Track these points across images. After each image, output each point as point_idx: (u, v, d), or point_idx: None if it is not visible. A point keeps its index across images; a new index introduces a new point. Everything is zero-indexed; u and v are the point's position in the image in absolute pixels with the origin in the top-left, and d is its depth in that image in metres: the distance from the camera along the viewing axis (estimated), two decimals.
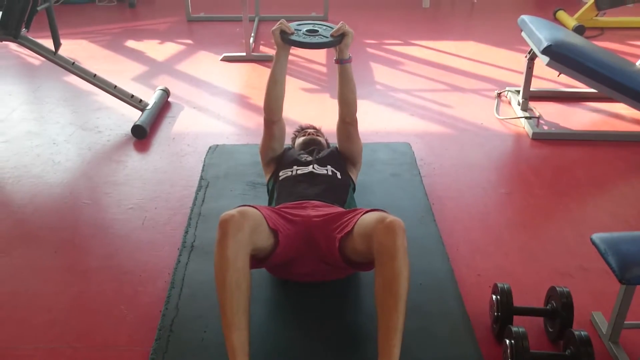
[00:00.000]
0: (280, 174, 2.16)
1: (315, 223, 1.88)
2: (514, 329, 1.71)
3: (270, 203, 2.18)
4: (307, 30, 2.18)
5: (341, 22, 2.16)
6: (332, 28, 2.18)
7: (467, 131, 3.20)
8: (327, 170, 2.14)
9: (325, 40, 2.14)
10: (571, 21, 4.68)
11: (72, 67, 3.20)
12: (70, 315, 1.97)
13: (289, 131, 2.46)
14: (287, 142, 2.44)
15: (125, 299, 2.02)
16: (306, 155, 2.25)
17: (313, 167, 2.14)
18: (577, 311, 1.84)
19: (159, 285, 2.07)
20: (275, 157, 2.31)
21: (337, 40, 2.14)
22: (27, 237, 2.37)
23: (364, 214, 1.81)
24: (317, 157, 2.23)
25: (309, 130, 2.48)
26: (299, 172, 2.13)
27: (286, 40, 2.14)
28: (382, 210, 1.78)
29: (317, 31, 2.18)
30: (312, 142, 2.39)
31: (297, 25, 2.21)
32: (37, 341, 1.85)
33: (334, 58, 2.19)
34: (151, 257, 2.23)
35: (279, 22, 2.14)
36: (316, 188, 2.05)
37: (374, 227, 1.68)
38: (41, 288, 2.10)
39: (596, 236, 1.65)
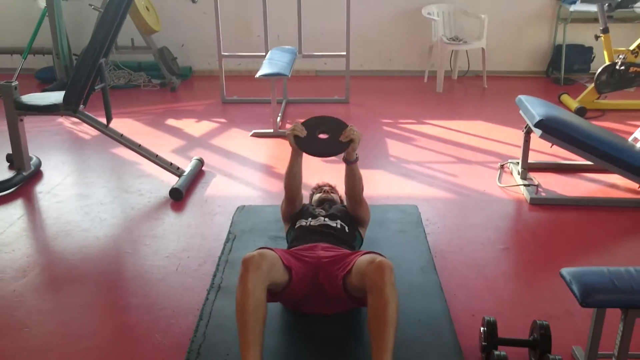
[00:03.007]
0: (297, 224, 2.50)
1: (323, 264, 2.18)
2: (497, 353, 1.96)
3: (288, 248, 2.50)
4: (319, 132, 2.43)
5: (350, 125, 2.40)
6: (342, 126, 2.40)
7: (471, 197, 3.51)
8: (336, 224, 2.45)
9: (333, 149, 2.40)
10: (574, 103, 5.05)
11: (120, 138, 3.66)
12: (112, 341, 2.29)
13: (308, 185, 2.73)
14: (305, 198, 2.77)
15: (160, 329, 2.33)
16: (320, 210, 2.59)
17: (325, 220, 2.45)
18: (560, 347, 2.08)
19: (190, 318, 2.37)
20: (295, 215, 2.60)
21: (345, 146, 2.38)
22: (76, 279, 2.72)
23: (361, 255, 2.12)
24: (329, 212, 2.54)
25: (325, 188, 2.81)
26: (312, 223, 2.45)
27: (300, 147, 2.42)
28: (376, 253, 2.09)
29: (328, 134, 2.42)
30: (326, 200, 2.72)
31: (310, 125, 2.44)
32: None
33: (342, 157, 2.44)
34: (183, 296, 2.55)
35: (292, 126, 2.43)
36: (326, 236, 2.36)
37: (366, 268, 2.00)
38: (87, 319, 2.43)
39: (564, 270, 1.92)
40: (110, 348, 2.24)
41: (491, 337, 2.07)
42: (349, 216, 2.56)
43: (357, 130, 2.39)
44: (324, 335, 2.21)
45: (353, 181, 2.46)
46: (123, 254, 2.94)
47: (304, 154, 2.48)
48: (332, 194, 2.77)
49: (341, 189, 2.77)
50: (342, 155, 2.44)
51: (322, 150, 2.44)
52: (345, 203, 2.67)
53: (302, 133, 2.42)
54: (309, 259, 2.21)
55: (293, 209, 2.58)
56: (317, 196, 2.77)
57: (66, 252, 2.96)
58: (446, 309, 2.36)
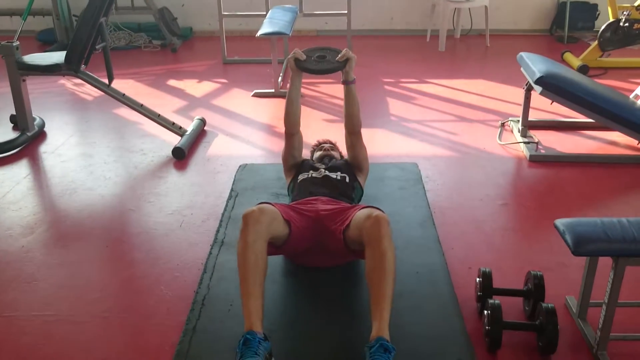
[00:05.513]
0: (299, 177, 2.56)
1: (322, 217, 2.24)
2: (491, 301, 2.02)
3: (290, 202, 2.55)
4: (317, 56, 2.65)
5: (345, 48, 2.63)
6: (338, 52, 2.61)
7: (471, 154, 3.54)
8: (337, 175, 2.53)
9: (331, 66, 2.60)
10: (576, 61, 5.02)
11: (122, 98, 3.68)
12: (119, 292, 2.36)
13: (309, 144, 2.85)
14: (306, 155, 2.82)
15: (165, 282, 2.40)
16: (321, 164, 2.65)
17: (325, 172, 2.53)
18: (554, 297, 2.14)
19: (194, 272, 2.44)
20: (295, 165, 2.71)
21: (342, 65, 2.59)
22: (83, 235, 2.78)
23: (360, 209, 2.17)
24: (329, 165, 2.62)
25: (325, 146, 2.86)
26: (313, 175, 2.53)
27: (299, 67, 2.63)
28: (374, 207, 2.13)
29: (326, 57, 2.64)
30: (327, 156, 2.77)
31: (309, 51, 2.67)
32: (92, 312, 2.24)
33: (341, 80, 2.62)
34: (187, 251, 2.61)
35: (292, 51, 2.63)
36: (327, 188, 2.44)
37: (363, 222, 2.04)
38: (95, 272, 2.50)
39: (558, 221, 1.97)
40: (117, 299, 2.32)
41: (486, 288, 2.13)
42: (349, 167, 2.65)
43: (352, 53, 2.59)
44: (324, 285, 2.29)
45: (351, 103, 2.62)
46: (127, 212, 3.00)
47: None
48: (332, 152, 2.82)
49: (342, 152, 2.85)
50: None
51: (321, 69, 2.62)
52: (346, 156, 2.75)
53: (302, 57, 2.62)
54: (308, 212, 2.26)
55: (292, 149, 2.68)
56: (317, 154, 2.82)
57: (72, 210, 3.02)
58: (443, 261, 2.42)
